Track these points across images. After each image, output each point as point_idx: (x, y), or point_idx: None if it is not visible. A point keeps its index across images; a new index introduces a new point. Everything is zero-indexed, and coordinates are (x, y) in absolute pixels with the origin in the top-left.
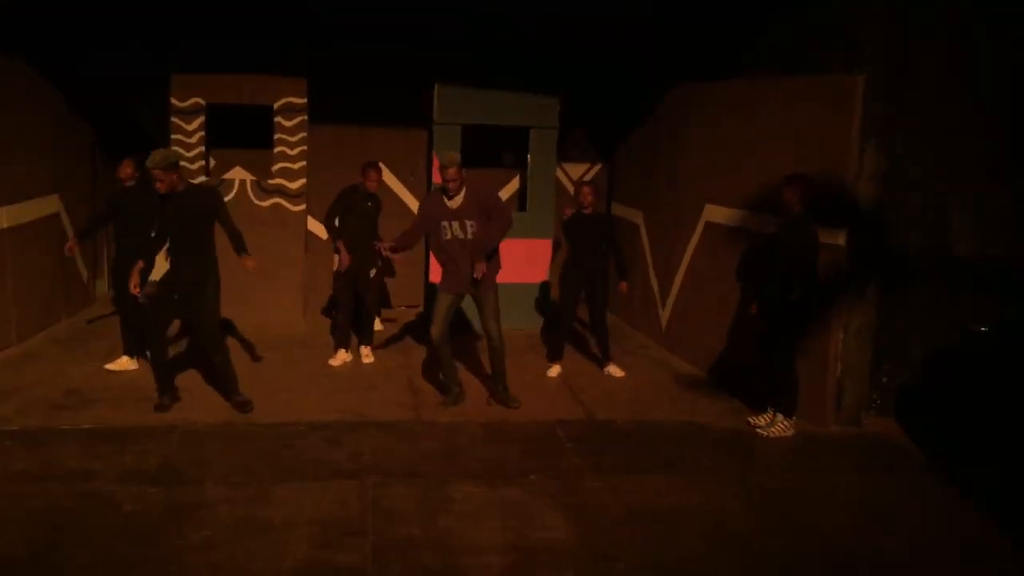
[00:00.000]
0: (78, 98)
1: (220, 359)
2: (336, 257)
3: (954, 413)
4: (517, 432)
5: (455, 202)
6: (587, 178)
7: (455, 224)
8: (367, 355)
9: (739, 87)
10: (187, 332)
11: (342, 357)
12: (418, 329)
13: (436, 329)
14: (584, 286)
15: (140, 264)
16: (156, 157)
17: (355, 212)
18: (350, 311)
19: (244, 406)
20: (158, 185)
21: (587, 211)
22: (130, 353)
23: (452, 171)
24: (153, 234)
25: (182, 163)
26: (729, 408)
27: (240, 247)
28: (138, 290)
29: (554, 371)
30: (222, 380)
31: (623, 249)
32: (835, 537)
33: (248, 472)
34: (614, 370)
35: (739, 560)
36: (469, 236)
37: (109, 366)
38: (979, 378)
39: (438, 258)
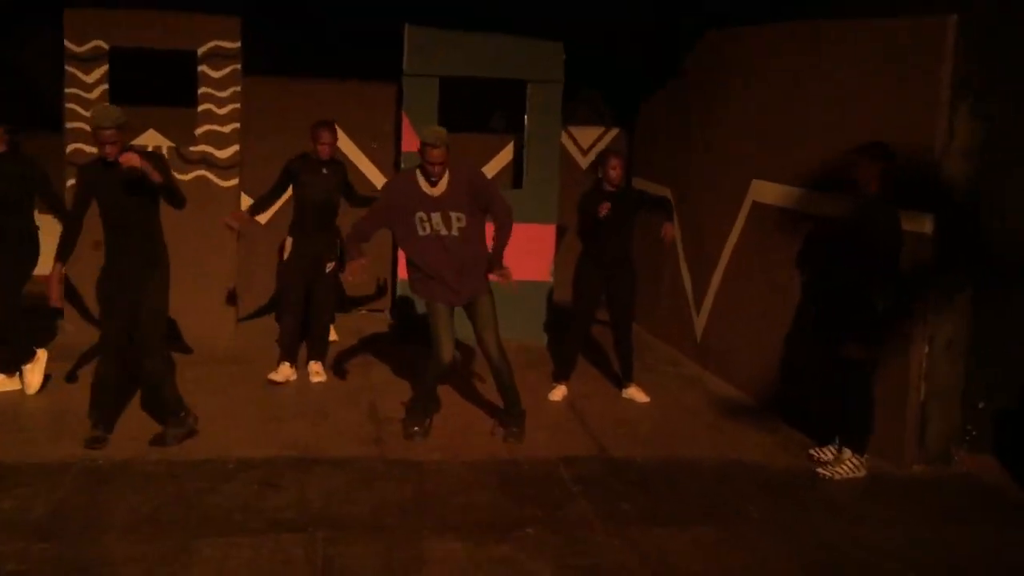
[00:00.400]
0: None
1: (161, 366)
2: (287, 242)
3: None
4: (510, 473)
5: (437, 188)
6: (602, 146)
7: (435, 217)
8: (318, 372)
9: (795, 32)
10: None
11: (286, 372)
12: (384, 340)
13: (447, 351)
14: (605, 285)
15: (61, 271)
16: (111, 113)
17: (307, 187)
18: (299, 313)
19: (163, 441)
20: (108, 149)
21: (612, 188)
22: (5, 370)
23: (438, 152)
24: (71, 218)
25: (78, 125)
26: (782, 441)
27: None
28: (60, 303)
29: (558, 393)
30: (161, 394)
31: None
32: None
33: (162, 523)
34: (637, 393)
35: None
36: (454, 233)
37: None
38: None
39: (413, 261)
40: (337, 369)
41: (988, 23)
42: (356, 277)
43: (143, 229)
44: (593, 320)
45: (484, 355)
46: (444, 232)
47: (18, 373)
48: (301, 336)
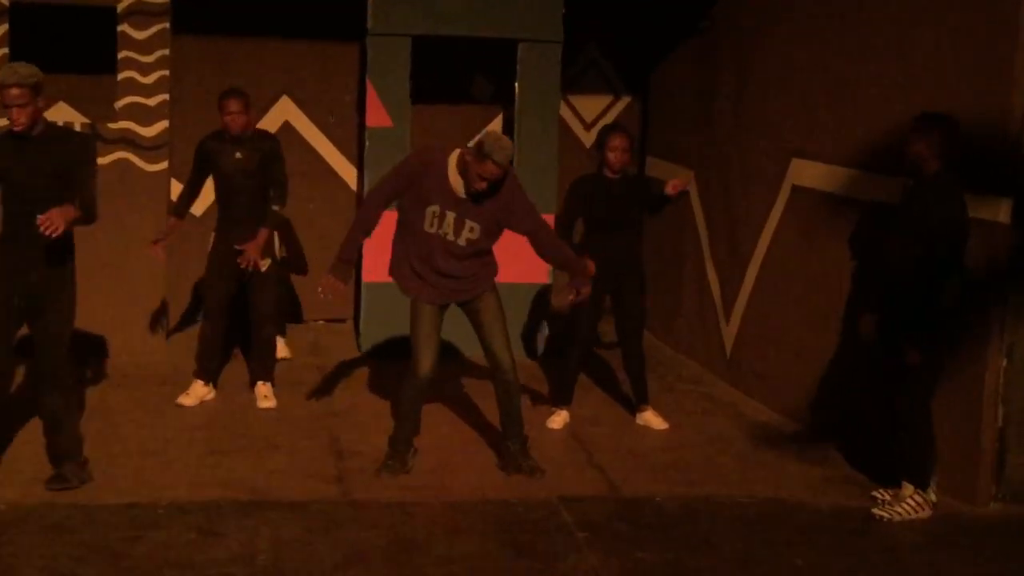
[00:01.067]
0: None
1: (63, 402)
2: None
3: None
4: (502, 516)
5: (464, 192)
6: (611, 120)
7: (449, 217)
8: (266, 396)
9: None
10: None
11: (199, 393)
12: (348, 355)
13: (427, 361)
14: (609, 289)
15: None
16: (19, 69)
17: (223, 169)
18: (221, 321)
19: (64, 482)
20: (15, 114)
21: (613, 174)
22: None
23: (496, 169)
24: None
25: None
26: (831, 476)
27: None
28: None
29: (558, 420)
30: (60, 437)
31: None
32: None
33: None
34: (653, 419)
35: None
36: (461, 242)
37: None
38: None
39: (405, 252)
40: (288, 392)
41: None
42: (328, 294)
43: (44, 213)
44: (596, 333)
45: (491, 366)
46: (451, 237)
47: None
48: (227, 350)
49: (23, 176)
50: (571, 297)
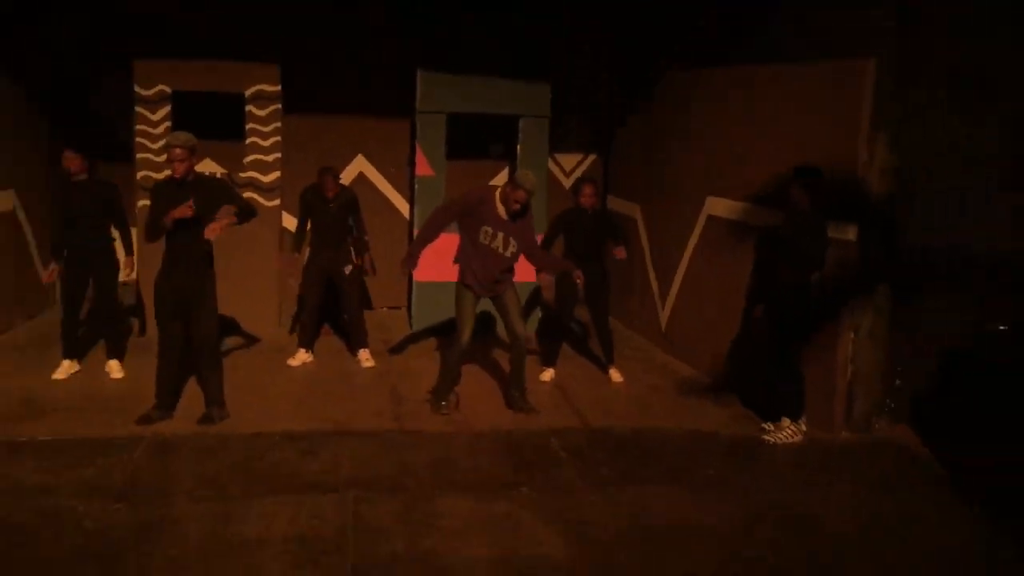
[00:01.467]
0: (33, 89)
1: (211, 365)
2: (306, 253)
3: (971, 417)
4: (508, 442)
5: (506, 216)
6: (581, 171)
7: (500, 236)
8: (367, 359)
9: (742, 73)
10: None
11: (302, 357)
12: (401, 332)
13: (468, 334)
14: (583, 285)
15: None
16: (181, 136)
17: (316, 215)
18: (315, 309)
19: (210, 420)
20: (175, 166)
21: (586, 208)
22: (69, 356)
23: (523, 194)
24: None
25: (146, 156)
26: (734, 414)
27: (250, 213)
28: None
29: (547, 375)
30: (208, 385)
31: (625, 235)
32: (845, 551)
33: (219, 486)
34: (615, 375)
35: None
36: (507, 254)
37: (55, 375)
38: (996, 380)
39: (465, 256)
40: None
41: (901, 64)
42: (404, 273)
43: (196, 239)
44: (572, 316)
45: (510, 336)
46: (501, 250)
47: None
48: (319, 329)
49: (182, 198)
50: (578, 281)
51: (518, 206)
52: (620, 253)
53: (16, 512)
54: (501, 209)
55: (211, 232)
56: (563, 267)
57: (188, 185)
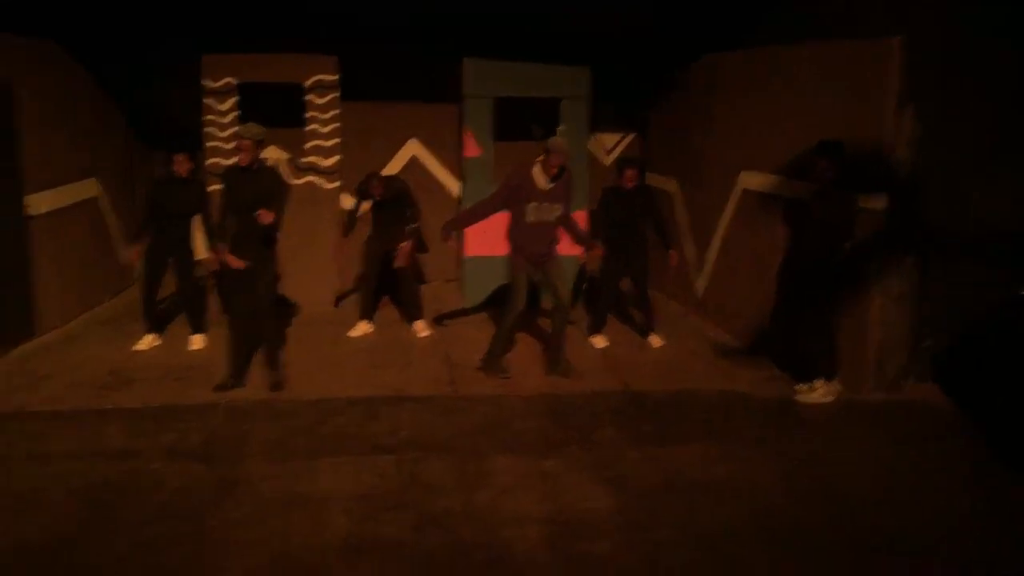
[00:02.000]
0: (111, 81)
1: (272, 336)
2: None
3: (998, 378)
4: (554, 405)
5: (548, 184)
6: (621, 149)
7: (544, 207)
8: (423, 329)
9: (773, 53)
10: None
11: (362, 328)
12: (454, 303)
13: (521, 302)
14: (626, 258)
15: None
16: (254, 129)
17: (372, 207)
18: (373, 283)
19: (276, 386)
20: (242, 156)
21: (628, 188)
22: (150, 330)
23: (559, 158)
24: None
25: (215, 144)
26: (767, 376)
27: (271, 235)
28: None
29: (599, 342)
30: (269, 353)
31: (666, 219)
32: (875, 506)
33: (288, 448)
34: (654, 340)
35: (777, 530)
36: (552, 219)
37: (137, 347)
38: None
39: (514, 236)
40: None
41: (926, 41)
42: (445, 239)
43: (257, 227)
44: (617, 287)
45: (553, 303)
46: (546, 218)
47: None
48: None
49: (247, 194)
50: (592, 252)
51: (555, 169)
52: (673, 259)
53: (107, 473)
54: (540, 179)
55: (264, 217)
56: (586, 241)
57: (252, 172)
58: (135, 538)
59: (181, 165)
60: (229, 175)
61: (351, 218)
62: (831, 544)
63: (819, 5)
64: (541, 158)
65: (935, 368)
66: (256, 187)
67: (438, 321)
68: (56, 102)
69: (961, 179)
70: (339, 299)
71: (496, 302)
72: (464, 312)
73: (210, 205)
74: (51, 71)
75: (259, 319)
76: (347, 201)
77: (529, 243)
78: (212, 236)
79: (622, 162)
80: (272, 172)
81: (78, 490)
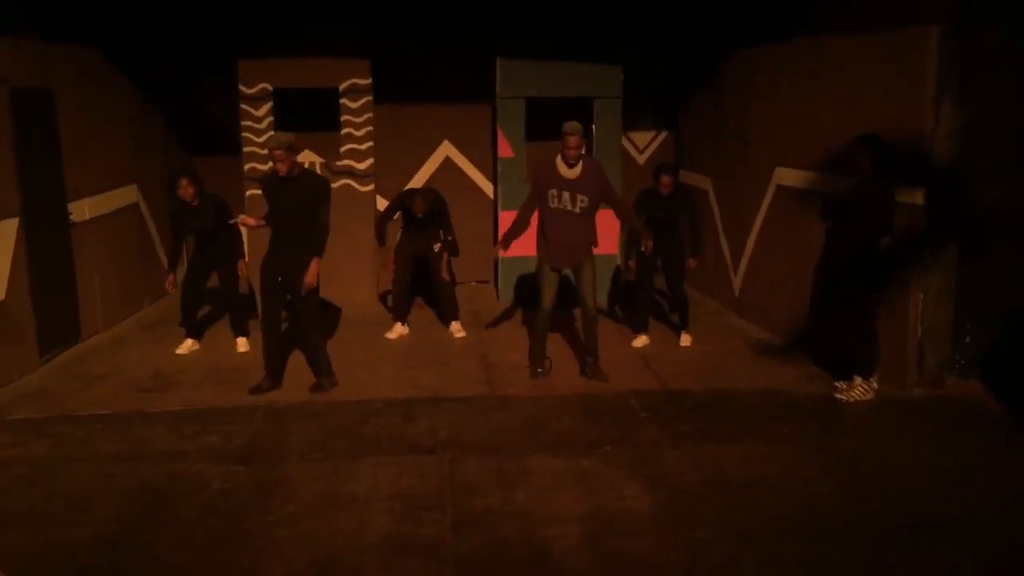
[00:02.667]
0: (150, 89)
1: (314, 338)
2: (398, 235)
3: None
4: (592, 404)
5: (572, 172)
6: (654, 148)
7: (566, 195)
8: (459, 330)
9: (805, 47)
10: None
11: (398, 331)
12: (489, 303)
13: (547, 300)
14: (662, 257)
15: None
16: (280, 138)
17: (407, 220)
18: (406, 285)
19: (321, 388)
20: (279, 166)
21: (664, 193)
22: (191, 335)
23: (575, 139)
24: (264, 219)
25: (252, 149)
26: (806, 373)
27: (318, 247)
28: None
29: (640, 341)
30: (314, 359)
31: (702, 226)
32: (917, 502)
33: (329, 449)
34: (684, 339)
35: (819, 527)
36: (577, 210)
37: (178, 351)
38: None
39: (540, 229)
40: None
41: (963, 30)
42: (500, 253)
43: (300, 227)
44: (653, 286)
45: (581, 306)
46: (570, 207)
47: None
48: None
49: (285, 203)
50: (644, 247)
51: (574, 151)
52: (692, 265)
53: (151, 475)
54: (563, 168)
55: (305, 285)
56: (637, 224)
57: (293, 180)
58: (178, 539)
59: (185, 190)
60: (269, 185)
61: (383, 227)
62: (873, 539)
63: None
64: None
65: (978, 363)
66: (299, 194)
67: (488, 327)
68: (97, 109)
69: (1003, 169)
70: (383, 297)
71: (532, 302)
72: (500, 312)
73: (231, 217)
74: (91, 78)
75: (303, 321)
76: (383, 204)
77: (555, 235)
78: (239, 251)
79: (658, 168)
80: (312, 176)
81: (123, 492)
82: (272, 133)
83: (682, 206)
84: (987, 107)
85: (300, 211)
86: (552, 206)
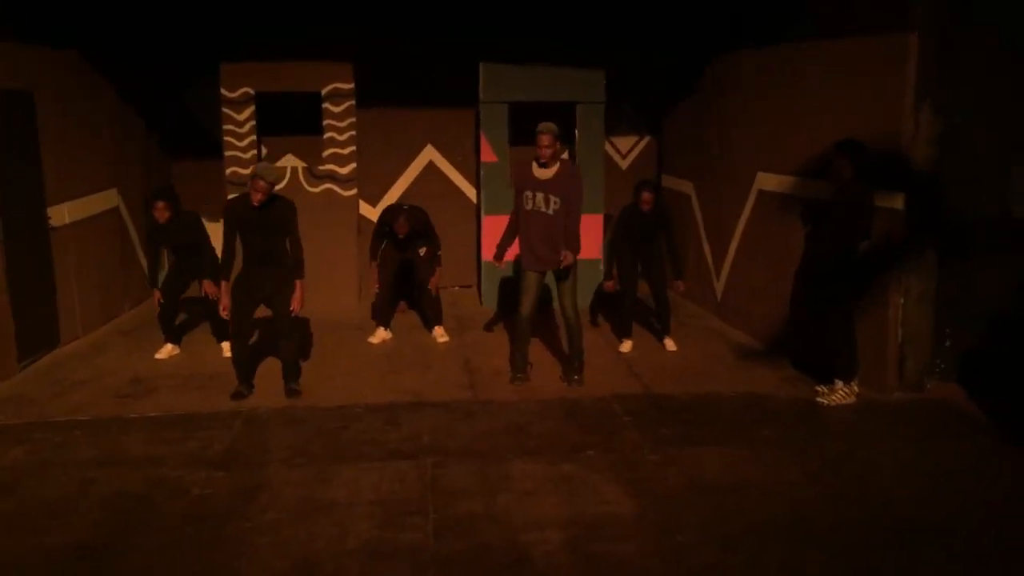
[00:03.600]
0: (131, 92)
1: (291, 347)
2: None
3: (1019, 376)
4: (574, 408)
5: (545, 172)
6: (637, 152)
7: (539, 196)
8: (442, 334)
9: (787, 52)
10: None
11: (381, 335)
12: (472, 308)
13: (526, 306)
14: (641, 264)
15: (227, 286)
16: (274, 171)
17: (392, 236)
18: (389, 289)
19: (295, 393)
20: (256, 196)
21: (645, 210)
22: (171, 340)
23: (546, 138)
24: (227, 247)
25: (234, 153)
26: (787, 377)
27: (299, 271)
28: (227, 312)
29: (626, 346)
30: (290, 367)
31: (679, 246)
32: (898, 505)
33: (309, 454)
34: (669, 344)
35: (802, 531)
36: (550, 212)
37: (157, 356)
38: None
39: (520, 233)
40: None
41: (942, 37)
42: (499, 266)
43: (273, 249)
44: (636, 290)
45: (562, 314)
46: (543, 209)
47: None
48: (395, 308)
49: (258, 229)
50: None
51: (546, 150)
52: (679, 288)
53: (130, 481)
54: (536, 169)
55: (295, 306)
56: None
57: (264, 206)
58: (157, 546)
59: (161, 213)
60: (236, 211)
61: (375, 250)
62: (857, 542)
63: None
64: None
65: (958, 367)
66: (271, 219)
67: (487, 328)
68: (78, 112)
69: (982, 175)
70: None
71: (511, 305)
72: (484, 316)
73: (206, 238)
74: (72, 81)
75: (280, 330)
76: (365, 208)
77: (530, 236)
78: (208, 270)
79: (640, 185)
80: (281, 200)
81: (102, 498)
82: (265, 163)
83: (661, 226)
84: (966, 112)
85: (272, 235)
86: (527, 208)
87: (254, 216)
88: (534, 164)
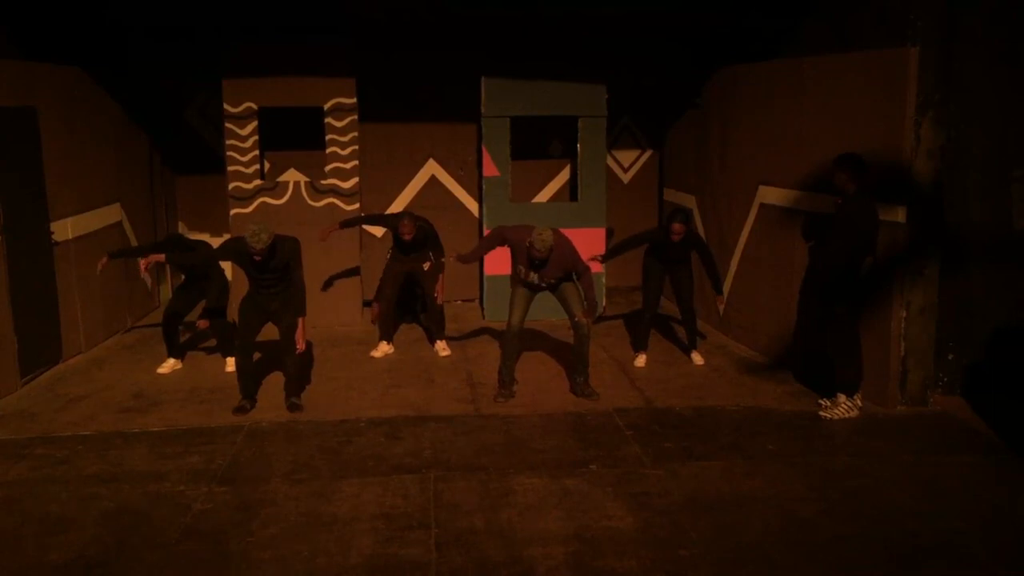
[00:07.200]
0: (135, 107)
1: (296, 361)
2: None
3: (1022, 389)
4: (576, 422)
5: (532, 273)
6: (639, 166)
7: (533, 274)
8: (444, 348)
9: (788, 67)
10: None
11: (383, 349)
12: (475, 322)
13: (515, 320)
14: (667, 275)
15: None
16: (264, 238)
17: (398, 242)
18: (391, 303)
19: (294, 407)
20: (256, 257)
21: (674, 239)
22: (173, 355)
23: (543, 253)
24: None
25: (237, 168)
26: (790, 391)
27: (301, 307)
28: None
29: (641, 360)
30: (294, 382)
31: (716, 264)
32: (901, 519)
33: (311, 469)
34: (696, 357)
35: (804, 545)
36: (544, 284)
37: (160, 370)
38: None
39: (513, 267)
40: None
41: (942, 51)
42: (458, 262)
43: (278, 282)
44: (658, 305)
45: (573, 325)
46: (538, 282)
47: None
48: (398, 321)
49: (264, 270)
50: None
51: (539, 256)
52: (720, 302)
53: (132, 496)
54: (533, 254)
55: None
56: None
57: (267, 251)
58: (159, 561)
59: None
60: (242, 254)
61: (357, 219)
62: (860, 556)
63: (837, 16)
64: (530, 241)
65: (961, 380)
66: (275, 260)
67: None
68: (81, 128)
69: (984, 187)
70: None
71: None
72: (486, 330)
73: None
74: (76, 97)
75: (286, 346)
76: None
77: (526, 283)
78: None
79: (672, 215)
80: (284, 241)
81: (103, 513)
82: (254, 229)
83: (696, 250)
84: (967, 126)
85: (276, 272)
86: (521, 276)
87: (254, 263)
88: (531, 249)
